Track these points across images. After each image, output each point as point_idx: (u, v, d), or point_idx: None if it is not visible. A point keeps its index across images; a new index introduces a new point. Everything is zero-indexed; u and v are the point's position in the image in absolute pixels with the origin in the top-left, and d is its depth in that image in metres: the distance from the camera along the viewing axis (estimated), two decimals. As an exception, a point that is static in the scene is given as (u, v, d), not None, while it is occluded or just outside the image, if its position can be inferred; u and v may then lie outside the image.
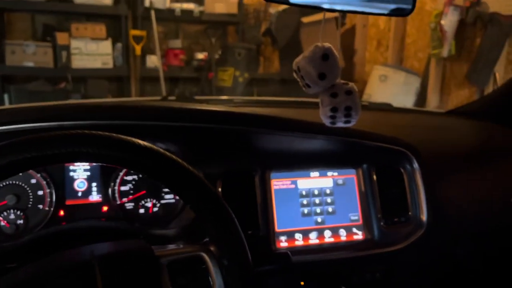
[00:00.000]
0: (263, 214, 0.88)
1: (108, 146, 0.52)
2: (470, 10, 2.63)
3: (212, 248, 0.61)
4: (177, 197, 0.90)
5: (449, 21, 2.72)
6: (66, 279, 0.53)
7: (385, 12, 0.86)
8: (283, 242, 0.89)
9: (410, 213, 0.95)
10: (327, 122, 0.85)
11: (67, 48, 3.71)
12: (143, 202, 0.87)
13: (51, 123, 0.75)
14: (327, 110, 0.82)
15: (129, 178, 0.87)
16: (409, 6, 0.79)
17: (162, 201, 0.89)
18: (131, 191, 0.87)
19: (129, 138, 0.54)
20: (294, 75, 0.84)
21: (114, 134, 0.54)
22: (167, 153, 0.56)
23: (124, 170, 0.87)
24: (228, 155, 0.89)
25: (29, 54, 3.67)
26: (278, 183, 0.91)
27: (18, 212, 0.79)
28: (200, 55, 4.15)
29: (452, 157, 1.11)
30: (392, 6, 0.84)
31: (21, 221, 0.79)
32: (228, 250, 0.58)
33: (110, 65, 3.84)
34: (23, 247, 0.75)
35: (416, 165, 0.95)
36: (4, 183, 0.79)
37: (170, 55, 4.10)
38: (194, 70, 4.15)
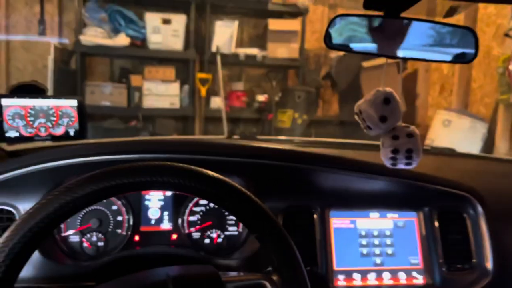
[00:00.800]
0: (322, 251, 0.90)
1: (188, 177, 0.59)
2: (540, 55, 2.54)
3: (274, 278, 0.64)
4: (240, 230, 0.95)
5: (518, 66, 2.63)
6: None
7: (448, 59, 0.89)
8: (341, 281, 0.90)
9: (474, 260, 0.93)
10: (388, 163, 0.87)
11: (139, 89, 4.01)
12: (208, 232, 0.93)
13: (134, 155, 0.85)
14: (388, 152, 0.85)
15: (197, 209, 0.94)
16: (472, 51, 0.81)
17: (226, 233, 0.94)
18: (198, 222, 0.93)
19: (205, 170, 0.61)
20: (356, 117, 0.89)
21: (193, 167, 0.61)
22: (239, 186, 0.62)
23: (193, 202, 0.94)
24: (290, 191, 0.93)
25: (106, 94, 4.02)
26: (337, 221, 0.93)
27: (100, 235, 0.88)
28: (261, 97, 4.30)
29: (521, 205, 1.07)
30: (455, 51, 0.86)
31: (102, 244, 0.88)
32: (290, 281, 0.61)
33: (177, 105, 4.09)
34: (102, 267, 0.83)
35: (480, 210, 0.94)
36: (90, 208, 0.89)
37: (233, 97, 4.29)
38: (255, 111, 4.30)
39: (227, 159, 0.90)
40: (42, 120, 0.87)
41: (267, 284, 0.63)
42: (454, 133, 3.12)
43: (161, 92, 4.07)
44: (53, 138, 0.88)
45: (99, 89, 4.02)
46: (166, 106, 4.06)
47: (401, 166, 0.86)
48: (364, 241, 0.93)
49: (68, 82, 3.82)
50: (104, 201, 0.90)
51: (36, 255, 0.79)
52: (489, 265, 0.91)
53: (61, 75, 3.72)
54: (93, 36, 3.79)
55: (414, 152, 0.83)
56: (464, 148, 2.77)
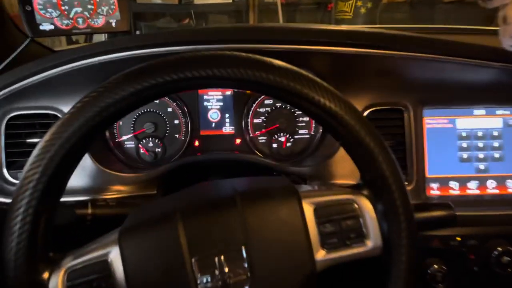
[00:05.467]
0: (412, 156, 0.75)
1: (259, 69, 0.45)
2: None
3: (365, 193, 0.52)
4: (312, 132, 0.82)
5: None
6: (210, 213, 0.49)
7: None
8: (434, 190, 0.77)
9: None
10: (508, 44, 0.67)
11: (190, -16, 3.74)
12: (276, 136, 0.81)
13: (190, 46, 0.70)
14: (513, 29, 0.64)
15: (262, 110, 0.81)
16: None
17: (296, 136, 0.82)
18: (264, 124, 0.81)
19: (266, 58, 0.46)
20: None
21: (254, 55, 0.46)
22: (318, 79, 0.47)
23: (257, 101, 0.81)
24: (373, 85, 0.76)
25: (157, -8, 3.80)
26: (432, 121, 0.77)
27: (156, 141, 0.79)
28: (320, -16, 3.87)
29: None
30: None
31: (159, 150, 0.79)
32: (388, 198, 0.48)
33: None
34: (162, 175, 0.75)
35: None
36: (142, 111, 0.79)
37: (289, -14, 3.89)
38: (312, 2, 3.91)
39: (290, 48, 0.71)
40: (78, 9, 0.74)
41: (358, 201, 0.51)
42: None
43: (212, -14, 3.78)
44: (93, 30, 0.75)
45: (149, -14, 3.80)
46: (218, 0, 3.80)
47: (529, 48, 0.66)
48: (464, 144, 0.77)
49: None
50: (157, 102, 0.79)
51: (91, 164, 0.72)
52: None
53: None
54: None
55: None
56: None
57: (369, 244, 0.50)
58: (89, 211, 0.61)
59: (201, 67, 0.44)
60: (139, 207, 0.54)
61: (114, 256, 0.47)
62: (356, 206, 0.51)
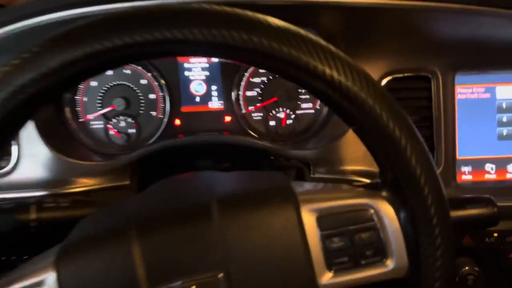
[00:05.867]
0: (440, 134, 0.62)
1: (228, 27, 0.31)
2: None
3: (385, 195, 0.39)
4: (318, 107, 0.68)
5: None
6: (176, 226, 0.37)
7: None
8: (466, 175, 0.63)
9: None
10: None
11: None
12: (274, 112, 0.68)
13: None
14: None
15: (256, 80, 0.67)
16: None
17: (298, 112, 0.68)
18: (259, 98, 0.68)
19: (250, 13, 0.32)
20: None
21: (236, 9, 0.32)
22: (315, 37, 0.33)
23: (250, 70, 0.67)
24: (394, 48, 0.62)
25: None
26: (466, 90, 0.63)
27: (129, 119, 0.66)
28: None
29: None
30: None
31: (133, 131, 0.67)
32: (418, 199, 0.36)
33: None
34: (137, 162, 0.63)
35: None
36: (111, 84, 0.66)
37: None
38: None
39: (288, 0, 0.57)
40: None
41: (376, 206, 0.38)
42: None
43: None
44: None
45: None
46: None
47: None
48: (505, 118, 0.63)
49: None
50: (128, 72, 0.65)
51: (46, 152, 0.59)
52: None
53: None
54: None
55: None
56: None
57: (390, 264, 0.38)
58: (33, 215, 0.49)
59: (154, 29, 0.30)
60: (88, 217, 0.41)
61: (50, 284, 0.35)
62: (373, 212, 0.38)
